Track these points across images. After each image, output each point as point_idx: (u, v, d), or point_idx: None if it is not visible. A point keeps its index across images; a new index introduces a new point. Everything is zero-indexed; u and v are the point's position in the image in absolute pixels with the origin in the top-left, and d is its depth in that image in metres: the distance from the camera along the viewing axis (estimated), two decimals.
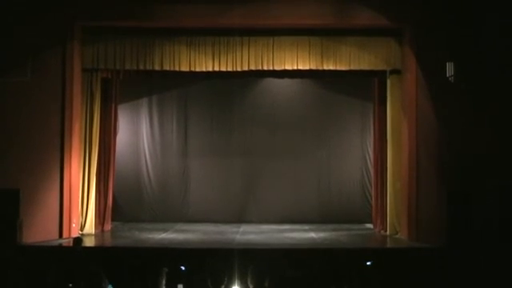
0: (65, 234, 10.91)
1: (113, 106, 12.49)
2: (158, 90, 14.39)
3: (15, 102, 10.95)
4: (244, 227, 13.04)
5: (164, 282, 5.63)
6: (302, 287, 5.76)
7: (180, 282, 5.94)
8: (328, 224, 13.33)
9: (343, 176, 14.25)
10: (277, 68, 11.75)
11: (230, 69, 11.72)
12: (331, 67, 11.69)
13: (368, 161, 14.09)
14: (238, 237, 11.66)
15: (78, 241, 8.63)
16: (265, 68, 11.74)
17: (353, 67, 11.69)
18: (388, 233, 11.86)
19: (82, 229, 11.62)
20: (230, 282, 5.87)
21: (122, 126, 13.77)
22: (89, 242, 10.68)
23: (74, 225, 11.13)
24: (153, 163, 14.37)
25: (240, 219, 13.88)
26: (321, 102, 14.31)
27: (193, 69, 11.70)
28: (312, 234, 12.00)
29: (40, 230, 10.65)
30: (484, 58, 10.78)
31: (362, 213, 13.87)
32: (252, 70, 11.83)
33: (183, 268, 6.87)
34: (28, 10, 10.95)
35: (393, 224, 11.78)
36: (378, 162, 12.56)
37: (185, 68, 11.69)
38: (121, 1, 11.20)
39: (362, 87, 13.60)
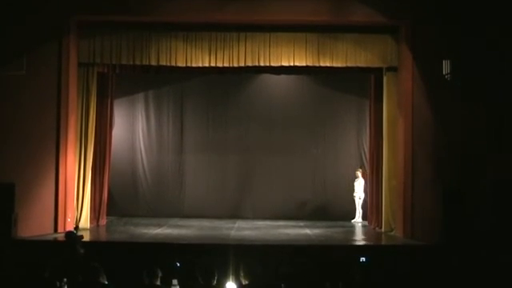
0: (60, 229, 10.91)
1: (109, 100, 12.50)
2: (154, 86, 14.37)
3: (11, 96, 10.90)
4: (239, 223, 13.07)
5: (158, 281, 5.64)
6: (297, 283, 5.77)
7: (175, 277, 5.95)
8: (323, 220, 13.37)
9: (339, 173, 14.26)
10: (273, 64, 11.72)
11: (226, 64, 11.68)
12: (328, 64, 11.69)
13: (364, 158, 14.11)
14: (233, 232, 11.66)
15: (70, 234, 8.60)
16: (261, 64, 11.71)
17: (349, 64, 11.69)
18: (383, 230, 11.88)
19: (77, 223, 11.58)
20: (225, 278, 5.88)
21: (118, 120, 13.76)
22: (84, 237, 10.65)
23: (69, 219, 11.12)
24: (148, 158, 14.37)
25: (235, 215, 13.92)
26: (317, 99, 14.32)
27: (189, 64, 11.66)
28: (307, 231, 12.02)
29: (35, 225, 10.63)
30: (480, 55, 10.78)
31: None
32: (249, 66, 11.80)
33: (178, 263, 6.89)
34: (24, 3, 10.89)
35: (388, 221, 11.79)
36: (374, 159, 12.58)
37: (181, 63, 11.66)
38: None
39: (358, 84, 13.63)
